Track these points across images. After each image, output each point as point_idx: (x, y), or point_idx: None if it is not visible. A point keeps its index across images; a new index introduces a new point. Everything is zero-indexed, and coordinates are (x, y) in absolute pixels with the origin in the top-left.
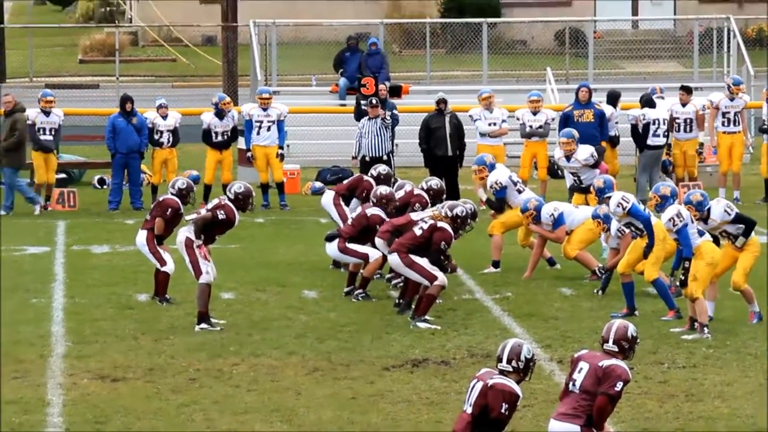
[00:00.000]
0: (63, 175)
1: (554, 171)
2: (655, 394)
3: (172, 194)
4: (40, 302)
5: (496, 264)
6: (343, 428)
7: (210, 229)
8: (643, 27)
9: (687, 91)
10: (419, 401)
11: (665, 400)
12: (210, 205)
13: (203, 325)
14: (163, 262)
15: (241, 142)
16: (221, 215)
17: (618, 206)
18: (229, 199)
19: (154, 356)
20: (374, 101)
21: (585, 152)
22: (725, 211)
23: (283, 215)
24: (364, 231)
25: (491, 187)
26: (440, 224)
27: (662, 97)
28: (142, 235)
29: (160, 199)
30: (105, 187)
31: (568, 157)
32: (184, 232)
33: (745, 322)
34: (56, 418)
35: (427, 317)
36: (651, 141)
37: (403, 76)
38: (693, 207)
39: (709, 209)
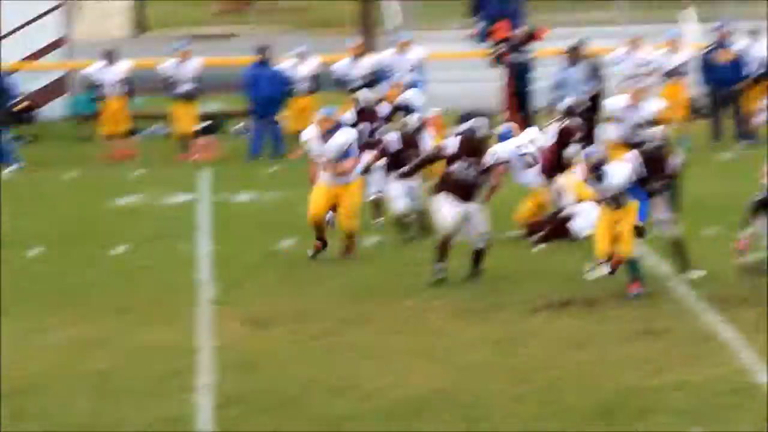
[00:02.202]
0: (204, 124)
1: (697, 110)
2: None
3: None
4: (186, 250)
5: None
6: (488, 370)
7: None
8: None
9: None
10: (564, 343)
11: None
12: None
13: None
14: None
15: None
16: None
17: None
18: None
19: (300, 302)
20: (579, 42)
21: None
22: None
23: None
24: None
25: None
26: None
27: None
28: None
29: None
30: (246, 135)
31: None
32: None
33: None
34: (206, 364)
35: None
36: None
37: (540, 19)
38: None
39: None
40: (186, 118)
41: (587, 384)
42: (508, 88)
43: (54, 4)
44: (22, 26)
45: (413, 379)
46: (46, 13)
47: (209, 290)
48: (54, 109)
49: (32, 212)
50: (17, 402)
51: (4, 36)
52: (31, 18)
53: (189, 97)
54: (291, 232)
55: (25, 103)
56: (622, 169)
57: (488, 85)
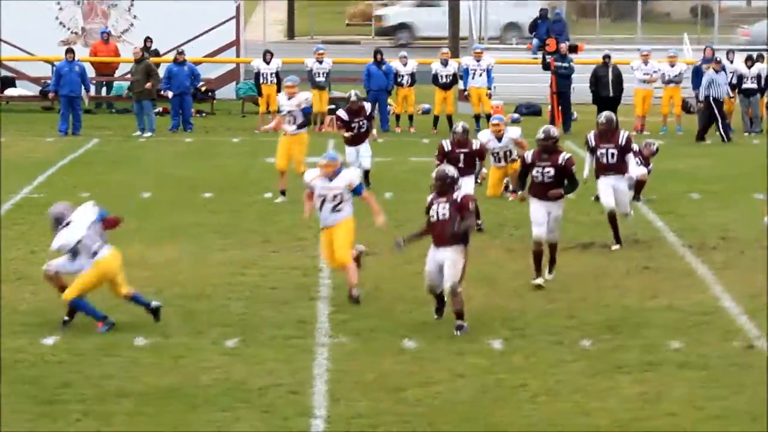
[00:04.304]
0: (332, 106)
1: (687, 108)
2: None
3: None
4: None
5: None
6: (529, 292)
7: None
8: (755, 4)
9: None
10: (585, 273)
11: None
12: None
13: None
14: None
15: (460, 84)
16: None
17: None
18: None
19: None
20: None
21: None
22: None
23: None
24: None
25: None
26: None
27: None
28: None
29: None
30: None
31: None
32: None
33: None
34: (325, 281)
35: None
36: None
37: (578, 37)
38: None
39: None
40: (320, 101)
41: (600, 304)
42: (552, 88)
43: (230, 15)
44: (206, 32)
45: (476, 297)
46: (223, 23)
47: None
48: (226, 92)
49: (207, 166)
50: (189, 304)
51: (192, 39)
52: (212, 26)
53: (323, 86)
54: (389, 186)
55: (205, 87)
56: None
57: (539, 85)
